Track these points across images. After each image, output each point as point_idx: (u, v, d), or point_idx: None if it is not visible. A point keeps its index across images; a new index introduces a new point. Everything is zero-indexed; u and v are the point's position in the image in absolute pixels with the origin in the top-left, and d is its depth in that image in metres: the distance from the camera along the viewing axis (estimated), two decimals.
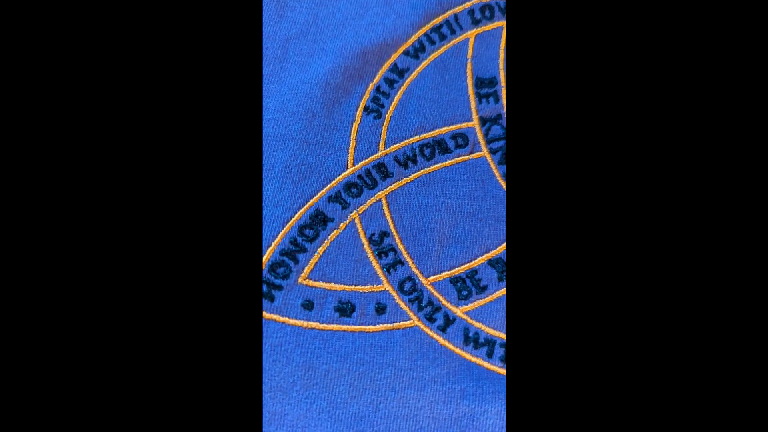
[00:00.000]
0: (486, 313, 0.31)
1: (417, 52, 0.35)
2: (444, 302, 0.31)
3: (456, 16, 0.35)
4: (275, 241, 0.31)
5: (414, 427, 0.29)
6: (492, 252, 0.31)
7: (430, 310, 0.30)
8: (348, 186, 0.32)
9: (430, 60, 0.35)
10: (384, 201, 0.32)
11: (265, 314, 0.29)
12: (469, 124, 0.34)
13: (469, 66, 0.35)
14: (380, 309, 0.30)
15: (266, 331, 0.29)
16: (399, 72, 0.34)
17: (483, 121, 0.34)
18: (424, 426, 0.29)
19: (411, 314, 0.30)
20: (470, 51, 0.35)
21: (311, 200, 0.31)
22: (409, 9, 0.35)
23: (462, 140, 0.33)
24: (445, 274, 0.31)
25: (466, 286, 0.31)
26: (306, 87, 0.33)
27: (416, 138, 0.33)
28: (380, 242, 0.31)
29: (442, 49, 0.35)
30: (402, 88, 0.34)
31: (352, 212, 0.31)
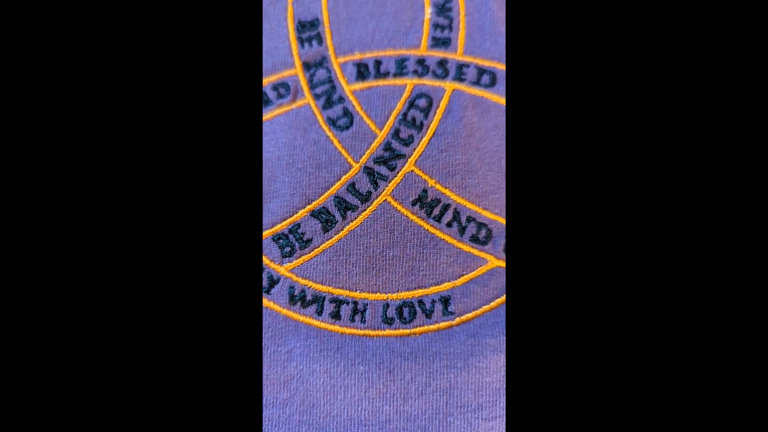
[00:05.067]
0: (312, 268, 0.29)
1: None
2: (267, 262, 0.29)
3: None
4: None
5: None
6: (314, 202, 0.29)
7: None
8: None
9: None
10: None
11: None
12: (291, 71, 0.31)
13: (289, 10, 0.32)
14: None
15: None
16: None
17: (306, 66, 0.31)
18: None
19: None
20: None
21: None
22: None
23: (284, 89, 0.31)
24: (266, 233, 0.29)
25: (289, 242, 0.29)
26: None
27: None
28: None
29: None
30: None
31: None
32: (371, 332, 0.28)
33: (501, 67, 0.31)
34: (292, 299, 0.29)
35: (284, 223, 0.29)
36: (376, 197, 0.29)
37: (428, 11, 0.32)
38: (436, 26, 0.32)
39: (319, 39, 0.32)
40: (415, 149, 0.30)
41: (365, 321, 0.28)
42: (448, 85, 0.31)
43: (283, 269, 0.29)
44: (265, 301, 0.29)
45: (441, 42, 0.32)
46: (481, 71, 0.31)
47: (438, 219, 0.29)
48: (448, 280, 0.29)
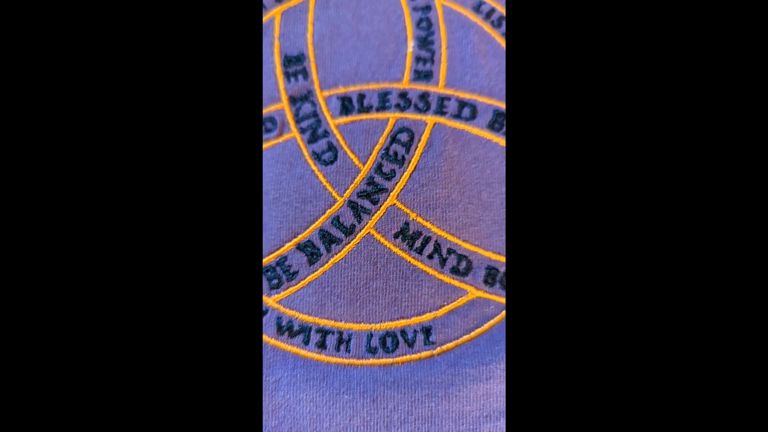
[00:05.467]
0: (298, 299, 0.30)
1: None
2: None
3: None
4: None
5: None
6: (300, 236, 0.30)
7: None
8: None
9: None
10: None
11: None
12: (278, 105, 0.32)
13: (276, 45, 0.33)
14: None
15: None
16: None
17: (292, 100, 0.32)
18: None
19: None
20: (277, 30, 0.34)
21: None
22: None
23: (270, 123, 0.32)
24: None
25: (276, 275, 0.30)
26: None
27: None
28: None
29: None
30: None
31: None
32: (356, 361, 0.29)
33: (481, 99, 0.32)
34: (280, 329, 0.30)
35: (271, 256, 0.30)
36: (360, 230, 0.30)
37: (411, 44, 0.33)
38: (418, 59, 0.33)
39: (305, 73, 0.33)
40: (397, 183, 0.31)
41: (350, 350, 0.29)
42: (430, 119, 0.32)
43: (271, 300, 0.30)
44: None
45: (423, 75, 0.33)
46: (462, 104, 0.32)
47: (419, 251, 0.30)
48: (430, 311, 0.30)
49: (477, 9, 0.34)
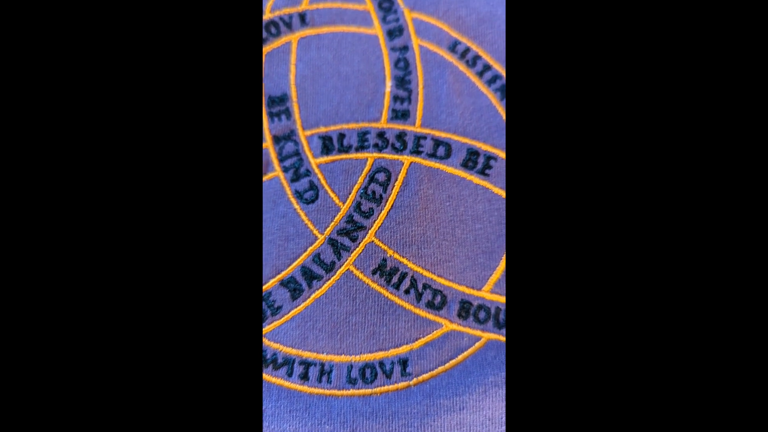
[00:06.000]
0: (282, 333, 0.32)
1: None
2: None
3: None
4: None
5: None
6: (283, 272, 0.32)
7: None
8: None
9: None
10: None
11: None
12: (263, 145, 0.34)
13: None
14: None
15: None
16: None
17: (276, 139, 0.34)
18: None
19: None
20: (261, 70, 0.35)
21: None
22: None
23: None
24: None
25: (261, 310, 0.32)
26: None
27: None
28: None
29: None
30: None
31: None
32: (336, 392, 0.31)
33: (456, 138, 0.33)
34: (265, 362, 0.31)
35: None
36: (340, 267, 0.32)
37: (389, 84, 0.35)
38: (396, 98, 0.34)
39: (288, 113, 0.34)
40: (374, 221, 0.32)
41: (331, 381, 0.31)
42: (406, 159, 0.33)
43: None
44: None
45: (400, 114, 0.34)
46: (437, 143, 0.33)
47: (396, 287, 0.32)
48: (406, 343, 0.31)
49: (452, 49, 0.35)
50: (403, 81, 0.35)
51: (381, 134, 0.34)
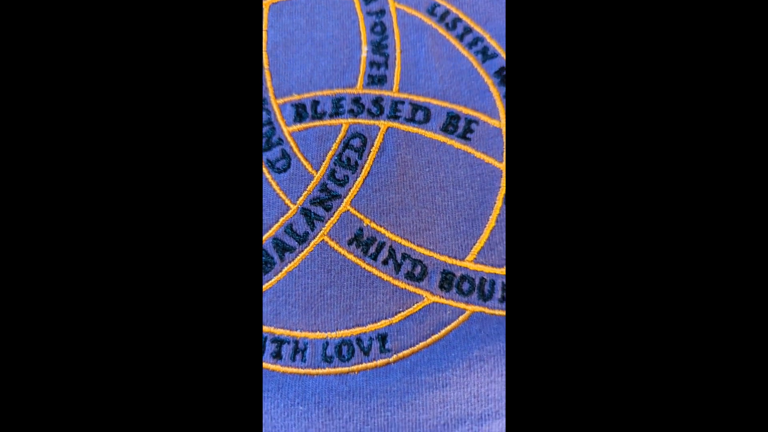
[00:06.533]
0: None
1: None
2: None
3: None
4: None
5: None
6: None
7: None
8: None
9: None
10: None
11: None
12: None
13: None
14: None
15: None
16: None
17: None
18: None
19: None
20: None
21: None
22: None
23: None
24: None
25: None
26: None
27: None
28: None
29: None
30: None
31: None
32: (311, 371, 0.29)
33: (435, 102, 0.32)
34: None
35: None
36: (314, 238, 0.30)
37: (365, 49, 0.33)
38: (372, 64, 0.33)
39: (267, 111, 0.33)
40: (350, 189, 0.30)
41: (305, 360, 0.29)
42: (383, 124, 0.31)
43: None
44: None
45: (377, 80, 0.32)
46: (416, 107, 0.32)
47: (374, 257, 0.30)
48: (385, 318, 0.29)
49: (431, 11, 0.34)
50: (379, 46, 0.33)
51: (356, 100, 0.32)
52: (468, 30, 0.33)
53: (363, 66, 0.33)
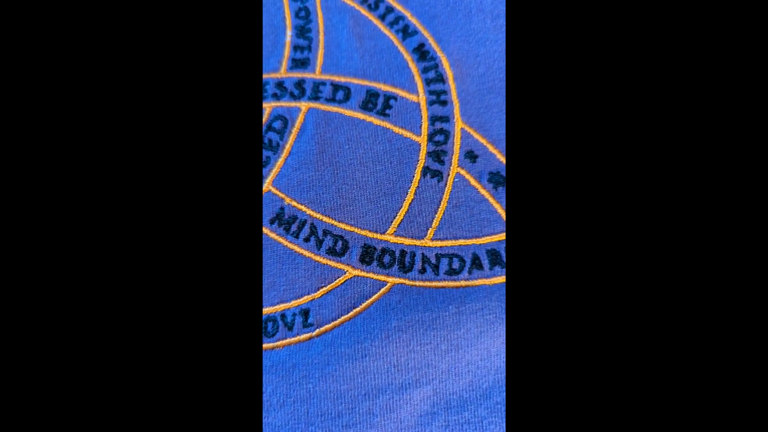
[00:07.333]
0: None
1: None
2: None
3: None
4: None
5: None
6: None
7: None
8: None
9: None
10: None
11: None
12: None
13: None
14: None
15: None
16: None
17: None
18: None
19: None
20: None
21: None
22: None
23: None
24: None
25: None
26: None
27: None
28: None
29: None
30: None
31: None
32: None
33: (355, 81, 0.32)
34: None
35: None
36: None
37: (289, 33, 0.34)
38: (296, 48, 0.33)
39: None
40: (271, 170, 0.31)
41: None
42: (304, 105, 0.32)
43: None
44: None
45: (300, 63, 0.33)
46: (336, 87, 0.32)
47: (296, 235, 0.30)
48: (308, 293, 0.30)
49: None
50: (303, 30, 0.34)
51: (280, 84, 0.32)
52: (390, 9, 0.34)
53: (287, 50, 0.33)
